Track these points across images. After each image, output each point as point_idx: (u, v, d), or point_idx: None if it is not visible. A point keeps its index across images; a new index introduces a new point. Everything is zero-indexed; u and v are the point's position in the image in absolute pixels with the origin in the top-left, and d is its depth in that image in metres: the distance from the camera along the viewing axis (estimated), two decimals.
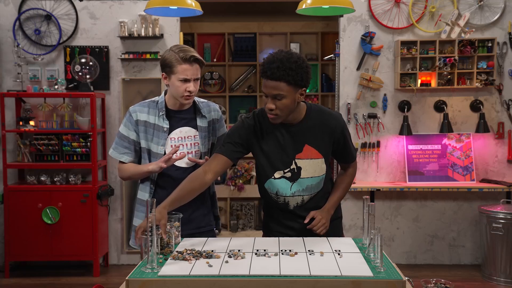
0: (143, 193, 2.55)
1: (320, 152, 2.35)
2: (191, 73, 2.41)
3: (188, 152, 2.52)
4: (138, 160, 2.56)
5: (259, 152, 2.37)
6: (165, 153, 2.49)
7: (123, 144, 2.53)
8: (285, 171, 2.35)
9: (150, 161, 2.51)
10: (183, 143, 2.52)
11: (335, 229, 2.48)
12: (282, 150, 2.34)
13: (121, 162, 2.56)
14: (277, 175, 2.36)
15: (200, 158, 2.55)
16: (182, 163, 2.50)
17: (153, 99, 2.58)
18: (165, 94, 2.57)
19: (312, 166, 2.35)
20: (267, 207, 2.52)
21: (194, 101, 2.59)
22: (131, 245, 2.65)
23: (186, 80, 2.41)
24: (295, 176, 2.35)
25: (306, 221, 2.35)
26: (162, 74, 2.49)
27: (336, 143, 2.39)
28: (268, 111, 2.25)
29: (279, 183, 2.36)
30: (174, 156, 2.43)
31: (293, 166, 2.34)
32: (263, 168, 2.38)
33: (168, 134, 2.50)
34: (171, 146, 2.50)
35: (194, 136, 2.54)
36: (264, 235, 2.54)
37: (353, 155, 2.51)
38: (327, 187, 2.47)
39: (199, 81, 2.49)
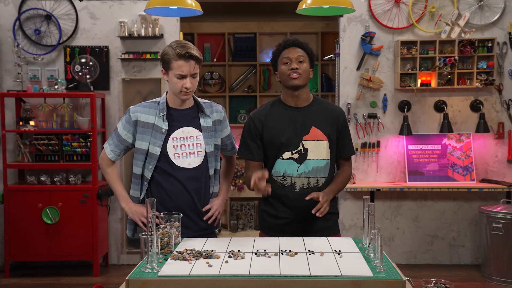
0: (142, 170, 2.55)
1: (325, 135, 2.53)
2: (187, 70, 2.40)
3: (190, 153, 2.51)
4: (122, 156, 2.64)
5: (269, 134, 2.55)
6: (161, 154, 2.48)
7: (114, 140, 2.58)
8: (293, 152, 2.52)
9: (146, 161, 2.51)
10: (185, 143, 2.51)
11: (332, 225, 2.61)
12: (291, 132, 2.53)
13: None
14: (285, 156, 2.53)
15: (205, 157, 2.54)
16: (184, 164, 2.50)
17: (154, 99, 2.57)
18: (166, 94, 2.57)
19: (318, 148, 2.53)
20: (271, 198, 2.58)
21: (197, 101, 2.59)
22: (128, 235, 2.68)
23: (182, 77, 2.41)
24: (302, 157, 2.52)
25: (307, 198, 2.41)
26: (162, 70, 2.50)
27: (338, 131, 2.58)
28: (291, 72, 2.50)
29: (286, 164, 2.53)
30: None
31: (301, 147, 2.52)
32: (273, 149, 2.54)
33: (170, 135, 2.49)
34: (173, 146, 2.50)
35: (196, 136, 2.53)
36: (263, 228, 2.64)
37: (352, 148, 2.67)
38: (332, 177, 2.61)
39: (197, 77, 2.48)
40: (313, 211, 2.37)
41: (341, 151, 2.62)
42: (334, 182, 2.59)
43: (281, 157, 2.53)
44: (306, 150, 2.52)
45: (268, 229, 2.60)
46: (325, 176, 2.55)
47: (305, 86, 2.55)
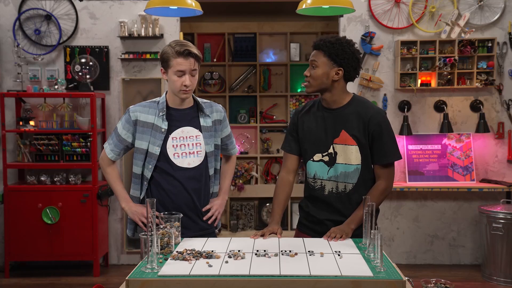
0: (142, 170, 2.56)
1: (354, 139, 2.40)
2: (186, 67, 2.41)
3: (189, 152, 2.52)
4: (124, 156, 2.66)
5: (302, 131, 2.52)
6: (160, 153, 2.48)
7: (114, 140, 2.58)
8: (324, 154, 2.46)
9: (145, 161, 2.51)
10: (184, 143, 2.52)
11: (362, 231, 2.39)
12: (322, 134, 2.46)
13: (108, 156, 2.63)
14: (316, 157, 2.48)
15: (206, 157, 2.55)
16: (184, 164, 2.50)
17: (153, 99, 2.58)
18: (166, 94, 2.58)
19: (346, 152, 2.42)
20: (307, 199, 2.58)
21: (196, 101, 2.59)
22: (128, 235, 2.68)
23: (181, 74, 2.42)
24: (332, 160, 2.45)
25: (324, 238, 2.32)
26: (161, 69, 2.51)
27: (371, 135, 2.40)
28: (305, 79, 2.47)
29: (317, 166, 2.48)
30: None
31: (331, 150, 2.44)
32: (305, 150, 2.52)
33: (169, 134, 2.50)
34: (173, 146, 2.50)
35: (196, 136, 2.53)
36: (299, 230, 2.62)
37: (388, 154, 2.42)
38: (363, 184, 2.44)
39: (196, 76, 2.48)
40: (326, 239, 2.29)
41: (375, 157, 2.42)
42: (361, 207, 2.34)
43: (312, 159, 2.49)
44: (335, 153, 2.43)
45: (301, 225, 2.60)
46: (354, 182, 2.42)
47: (325, 90, 2.42)
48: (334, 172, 2.44)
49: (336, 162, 2.43)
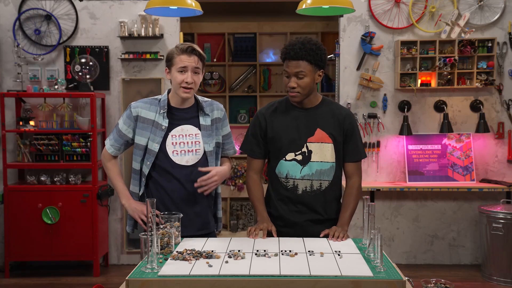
0: (141, 166, 2.57)
1: (330, 137, 2.46)
2: (188, 63, 2.45)
3: (188, 150, 2.53)
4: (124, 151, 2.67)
5: (272, 132, 2.50)
6: (160, 150, 2.49)
7: (115, 135, 2.60)
8: (297, 153, 2.46)
9: (144, 157, 2.52)
10: (184, 141, 2.53)
11: None
12: (295, 133, 2.47)
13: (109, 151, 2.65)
14: (288, 157, 2.48)
15: (204, 155, 2.55)
16: (182, 161, 2.51)
17: (155, 97, 2.61)
18: (168, 93, 2.59)
19: (322, 150, 2.46)
20: (274, 197, 2.55)
21: (197, 100, 2.60)
22: (128, 231, 2.69)
23: (183, 70, 2.45)
24: (306, 159, 2.46)
25: (321, 235, 2.35)
26: (165, 69, 2.55)
27: (344, 133, 2.49)
28: (290, 90, 2.42)
29: (290, 166, 2.47)
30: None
31: (305, 149, 2.46)
32: (275, 149, 2.50)
33: (169, 132, 2.52)
34: (172, 143, 2.51)
35: (195, 134, 2.55)
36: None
37: (360, 152, 2.54)
38: (338, 181, 2.52)
39: (199, 75, 2.50)
40: (330, 239, 2.29)
41: (348, 155, 2.51)
42: (346, 208, 2.46)
43: (284, 158, 2.48)
44: (310, 152, 2.45)
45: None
46: (329, 179, 2.48)
47: (310, 94, 2.46)
48: (309, 171, 2.46)
49: (311, 160, 2.46)
